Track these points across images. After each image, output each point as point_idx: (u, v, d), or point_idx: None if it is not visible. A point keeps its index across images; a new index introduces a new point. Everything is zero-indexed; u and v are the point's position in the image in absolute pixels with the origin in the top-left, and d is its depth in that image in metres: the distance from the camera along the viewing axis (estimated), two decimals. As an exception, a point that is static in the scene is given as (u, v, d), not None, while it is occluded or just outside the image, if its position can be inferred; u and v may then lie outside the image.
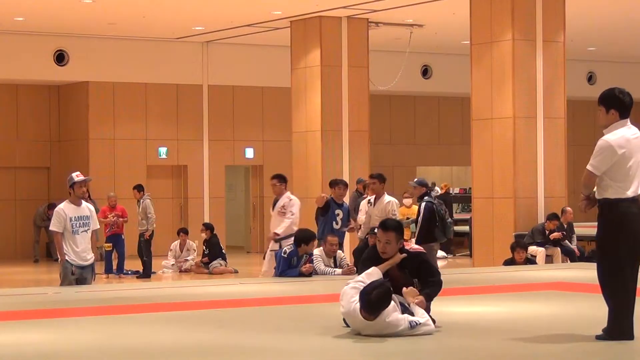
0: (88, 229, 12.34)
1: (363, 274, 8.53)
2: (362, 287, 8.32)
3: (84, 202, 12.54)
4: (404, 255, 8.62)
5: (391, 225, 8.65)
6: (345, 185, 16.07)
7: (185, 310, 10.87)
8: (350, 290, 8.40)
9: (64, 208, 12.30)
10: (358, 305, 8.23)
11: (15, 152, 25.70)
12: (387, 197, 15.69)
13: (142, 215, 20.70)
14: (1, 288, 15.60)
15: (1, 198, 25.71)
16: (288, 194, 14.72)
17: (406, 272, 8.61)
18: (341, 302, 8.48)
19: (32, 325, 9.72)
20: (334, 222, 15.40)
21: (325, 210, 15.56)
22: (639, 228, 7.80)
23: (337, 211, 15.53)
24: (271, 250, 14.56)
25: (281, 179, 14.76)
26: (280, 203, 14.58)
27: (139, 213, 20.76)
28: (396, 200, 15.95)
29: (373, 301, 8.13)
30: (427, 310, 8.55)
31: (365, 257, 8.84)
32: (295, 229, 14.38)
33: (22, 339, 8.68)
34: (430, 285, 8.60)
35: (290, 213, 14.44)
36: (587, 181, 7.86)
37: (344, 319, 8.76)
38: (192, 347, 8.19)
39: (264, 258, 15.01)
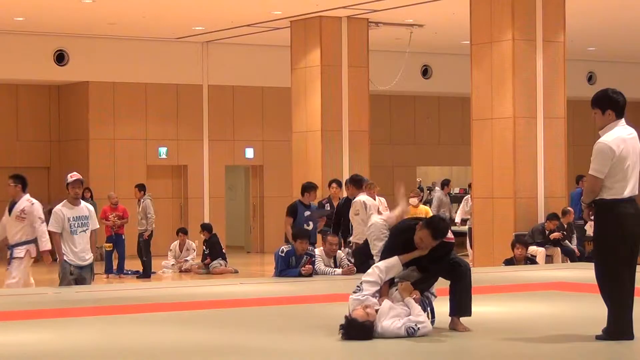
0: (87, 229, 12.34)
1: (382, 266, 8.38)
2: (367, 296, 8.27)
3: (82, 202, 12.54)
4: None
5: (442, 234, 8.35)
6: (315, 188, 16.00)
7: (185, 310, 10.88)
8: (354, 302, 8.34)
9: (62, 208, 12.31)
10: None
11: (15, 152, 25.69)
12: (356, 197, 15.65)
13: (141, 215, 20.69)
14: (1, 288, 15.59)
15: (1, 198, 25.66)
16: (27, 196, 12.94)
17: (432, 261, 8.49)
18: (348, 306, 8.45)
19: (32, 325, 9.72)
20: (305, 225, 15.33)
21: (293, 215, 15.52)
22: (636, 228, 7.80)
23: (307, 213, 15.48)
24: (16, 258, 12.79)
25: (18, 179, 12.94)
26: (19, 207, 12.77)
27: (138, 212, 20.75)
28: (362, 199, 15.55)
29: (353, 338, 8.13)
30: (430, 303, 8.55)
31: (396, 237, 8.56)
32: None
33: (22, 339, 8.68)
34: (434, 271, 8.53)
35: (41, 220, 12.73)
36: (593, 186, 7.80)
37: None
38: (192, 347, 8.20)
39: (8, 264, 12.85)
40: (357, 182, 15.98)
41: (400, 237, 8.55)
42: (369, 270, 8.46)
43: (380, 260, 8.53)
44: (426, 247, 8.41)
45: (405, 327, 8.17)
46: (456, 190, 30.65)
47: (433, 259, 8.51)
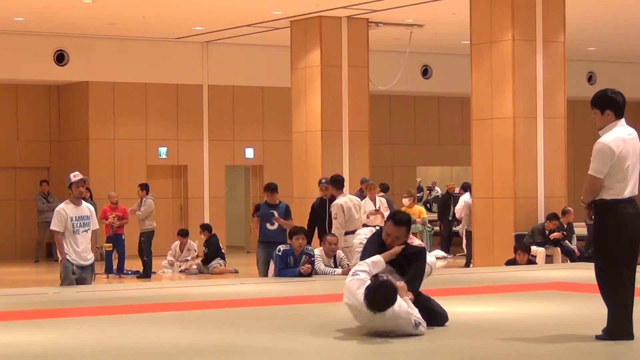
0: (88, 229, 12.37)
1: (368, 261, 8.50)
2: (366, 278, 8.31)
3: (84, 202, 12.56)
4: (403, 246, 8.62)
5: (403, 221, 8.68)
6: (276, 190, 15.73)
7: (185, 310, 10.88)
8: (355, 281, 8.35)
9: (65, 208, 12.32)
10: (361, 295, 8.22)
11: (15, 152, 25.69)
12: (336, 200, 15.59)
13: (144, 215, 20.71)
14: (1, 288, 15.60)
15: (1, 198, 25.71)
16: None
17: (404, 260, 8.65)
18: (345, 294, 8.42)
19: (32, 325, 9.72)
20: (267, 224, 15.29)
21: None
22: (635, 229, 7.79)
23: (271, 212, 15.43)
24: None
25: None
26: None
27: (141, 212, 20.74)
28: (340, 203, 15.55)
29: (378, 300, 8.13)
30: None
31: (370, 243, 8.80)
32: None
33: (22, 339, 8.68)
34: (413, 269, 8.64)
35: None
36: (593, 186, 7.80)
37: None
38: (192, 347, 8.20)
39: None
40: (337, 183, 15.87)
41: (373, 247, 8.71)
42: (359, 263, 8.56)
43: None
44: (395, 239, 8.58)
45: (413, 318, 8.22)
46: (456, 190, 30.65)
47: (407, 259, 8.65)
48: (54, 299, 11.78)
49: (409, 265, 8.66)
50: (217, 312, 10.72)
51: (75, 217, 12.26)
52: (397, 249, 8.62)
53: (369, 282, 8.32)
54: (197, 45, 26.22)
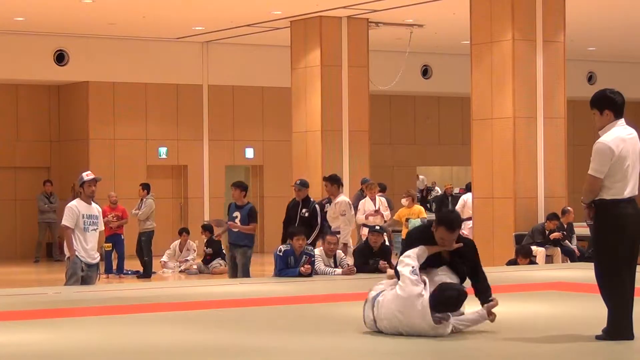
0: (97, 228, 12.49)
1: (411, 252, 8.43)
2: (418, 273, 8.26)
3: (93, 202, 12.62)
4: (460, 245, 8.59)
5: (457, 225, 8.55)
6: (243, 188, 15.58)
7: (185, 310, 10.88)
8: (416, 279, 8.26)
9: (77, 205, 12.39)
10: (426, 300, 8.17)
11: (15, 152, 25.69)
12: (339, 198, 15.67)
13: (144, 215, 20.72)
14: (1, 288, 15.59)
15: (1, 198, 25.71)
16: None
17: (456, 256, 8.61)
18: (401, 284, 8.28)
19: (32, 325, 9.72)
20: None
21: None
22: (635, 228, 7.79)
23: (235, 213, 15.29)
24: None
25: None
26: None
27: (142, 213, 20.73)
28: (346, 200, 15.79)
29: (450, 303, 8.22)
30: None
31: (416, 238, 8.67)
32: None
33: (22, 339, 8.68)
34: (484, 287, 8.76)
35: None
36: (593, 186, 7.80)
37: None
38: (192, 347, 8.20)
39: None
40: (338, 182, 15.94)
41: (418, 243, 8.62)
42: (402, 258, 8.46)
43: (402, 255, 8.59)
44: (450, 243, 8.52)
45: (453, 325, 8.36)
46: (456, 190, 30.68)
47: (460, 254, 8.62)
48: (54, 299, 11.79)
49: (463, 260, 8.61)
50: (217, 312, 10.72)
51: (86, 215, 12.37)
52: (444, 248, 8.55)
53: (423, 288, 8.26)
54: (197, 45, 26.22)
